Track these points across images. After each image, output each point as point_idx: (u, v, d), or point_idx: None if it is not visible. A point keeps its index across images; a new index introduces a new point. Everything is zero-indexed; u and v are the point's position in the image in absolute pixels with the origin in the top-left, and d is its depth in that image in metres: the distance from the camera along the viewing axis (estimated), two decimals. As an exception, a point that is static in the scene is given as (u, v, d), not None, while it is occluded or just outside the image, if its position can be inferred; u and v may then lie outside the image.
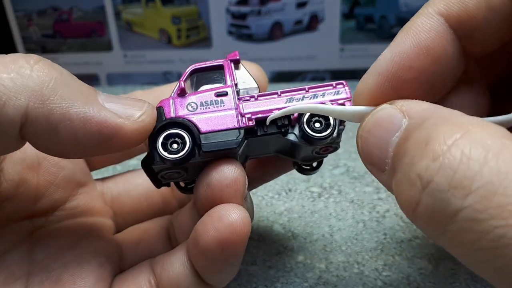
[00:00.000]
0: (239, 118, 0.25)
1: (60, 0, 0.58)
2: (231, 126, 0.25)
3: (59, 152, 0.23)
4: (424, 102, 0.20)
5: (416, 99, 0.21)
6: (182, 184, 0.28)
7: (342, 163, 0.44)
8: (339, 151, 0.45)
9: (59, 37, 0.60)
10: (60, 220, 0.28)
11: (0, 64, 0.21)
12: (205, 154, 0.24)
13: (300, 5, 0.57)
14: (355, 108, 0.23)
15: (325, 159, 0.30)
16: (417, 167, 0.17)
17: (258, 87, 0.26)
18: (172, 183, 0.28)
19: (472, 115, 0.19)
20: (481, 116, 0.20)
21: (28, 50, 0.60)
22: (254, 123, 0.25)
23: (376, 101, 0.23)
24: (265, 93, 0.26)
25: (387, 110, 0.21)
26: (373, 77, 0.23)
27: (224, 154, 0.25)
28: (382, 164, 0.20)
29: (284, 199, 0.39)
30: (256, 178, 0.31)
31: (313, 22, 0.58)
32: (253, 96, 0.25)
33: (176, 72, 0.62)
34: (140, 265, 0.27)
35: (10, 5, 0.57)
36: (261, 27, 0.58)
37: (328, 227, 0.36)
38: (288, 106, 0.25)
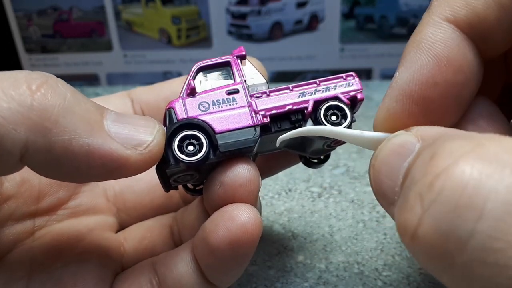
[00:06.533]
0: (253, 115, 0.24)
1: (60, 0, 0.58)
2: (246, 124, 0.24)
3: (62, 179, 0.22)
4: (442, 127, 0.19)
5: (443, 119, 0.20)
6: (190, 186, 0.28)
7: (342, 163, 0.44)
8: (339, 151, 0.45)
9: (59, 37, 0.60)
10: (63, 219, 0.28)
11: None
12: (222, 154, 0.24)
13: (300, 5, 0.57)
14: (373, 134, 0.22)
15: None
16: (417, 186, 0.14)
17: (267, 82, 0.26)
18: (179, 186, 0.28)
19: (497, 121, 0.18)
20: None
21: (28, 50, 0.60)
22: (269, 120, 0.24)
23: (404, 126, 0.21)
24: (277, 88, 0.25)
25: (402, 136, 0.19)
26: (396, 102, 0.21)
27: (240, 153, 0.24)
28: (392, 195, 0.18)
29: (284, 199, 0.39)
30: (262, 171, 0.31)
31: (313, 22, 0.58)
32: (265, 92, 0.25)
33: (176, 72, 0.62)
34: (141, 265, 0.27)
35: (10, 5, 0.57)
36: (261, 27, 0.58)
37: (328, 227, 0.36)
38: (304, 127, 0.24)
